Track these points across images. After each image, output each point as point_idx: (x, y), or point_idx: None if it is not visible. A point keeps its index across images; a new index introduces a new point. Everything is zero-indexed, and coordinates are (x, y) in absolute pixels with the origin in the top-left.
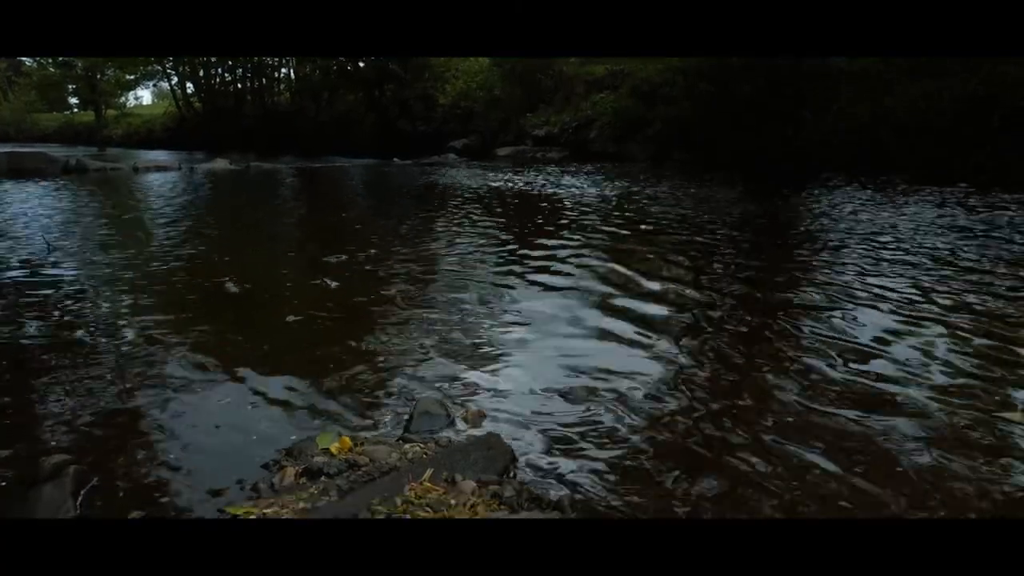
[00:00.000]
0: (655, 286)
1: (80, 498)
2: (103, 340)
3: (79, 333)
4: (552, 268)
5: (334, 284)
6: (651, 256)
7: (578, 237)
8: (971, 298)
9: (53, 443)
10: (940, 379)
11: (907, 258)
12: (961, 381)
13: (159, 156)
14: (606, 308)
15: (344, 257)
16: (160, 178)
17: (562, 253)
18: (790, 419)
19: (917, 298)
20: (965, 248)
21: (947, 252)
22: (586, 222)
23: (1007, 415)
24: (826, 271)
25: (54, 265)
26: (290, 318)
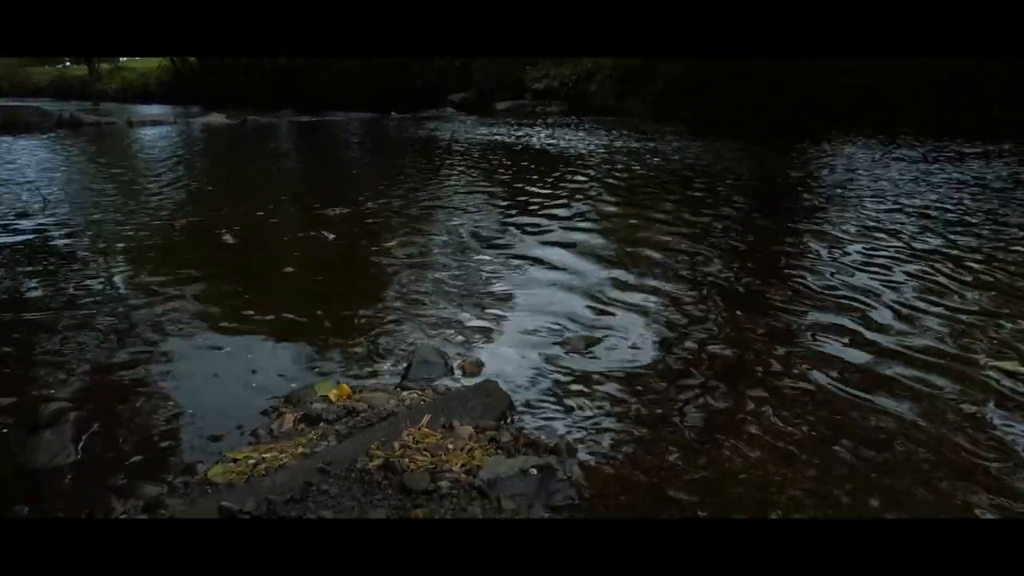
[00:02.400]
0: (655, 238)
1: (81, 443)
2: (101, 292)
3: (76, 285)
4: (551, 220)
5: (331, 236)
6: (651, 209)
7: (578, 190)
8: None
9: (52, 392)
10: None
11: (905, 208)
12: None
13: (154, 110)
14: (604, 260)
15: (342, 210)
16: (155, 132)
17: (561, 205)
18: (787, 366)
19: (914, 244)
20: (965, 201)
21: (940, 202)
22: (586, 175)
23: (1003, 364)
24: (823, 220)
25: (50, 219)
26: (288, 269)
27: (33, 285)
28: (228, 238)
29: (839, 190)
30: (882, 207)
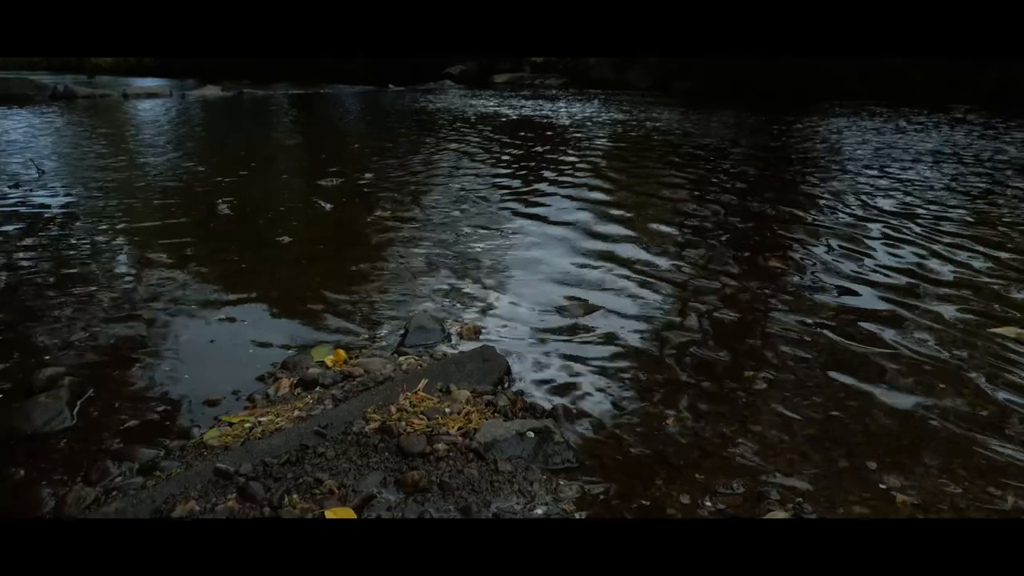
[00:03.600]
0: (654, 206)
1: (76, 408)
2: (96, 261)
3: (72, 254)
4: (549, 189)
5: (328, 206)
6: (649, 177)
7: (576, 160)
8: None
9: (48, 357)
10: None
11: (903, 176)
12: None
13: (149, 83)
14: (602, 227)
15: (339, 180)
16: (150, 105)
17: (559, 175)
18: (784, 330)
19: (912, 209)
20: (956, 171)
21: (935, 168)
22: (584, 145)
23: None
24: (819, 184)
25: (45, 189)
26: (284, 239)
27: (28, 254)
28: (223, 208)
29: (837, 156)
30: (878, 172)
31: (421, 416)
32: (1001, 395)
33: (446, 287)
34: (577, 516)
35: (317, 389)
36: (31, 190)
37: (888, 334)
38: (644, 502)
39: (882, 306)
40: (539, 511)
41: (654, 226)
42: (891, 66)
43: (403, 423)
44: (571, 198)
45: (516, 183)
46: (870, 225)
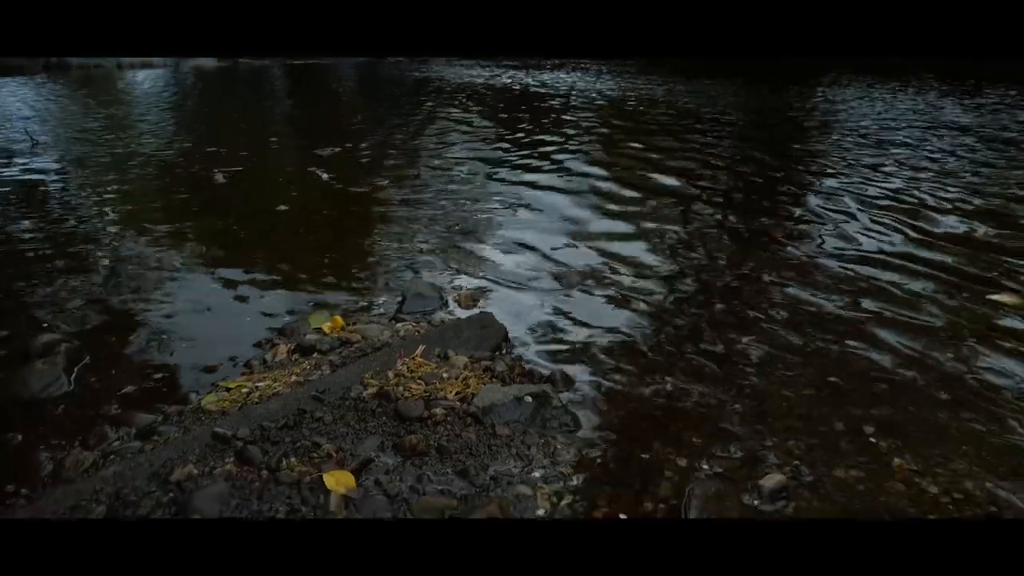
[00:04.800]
0: (652, 173)
1: (73, 375)
2: (92, 230)
3: (67, 223)
4: (545, 157)
5: (326, 175)
6: (647, 145)
7: (573, 129)
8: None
9: (44, 325)
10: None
11: (902, 139)
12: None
13: None
14: (601, 195)
15: (336, 149)
16: (145, 75)
17: (556, 143)
18: (783, 296)
19: (911, 175)
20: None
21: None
22: (581, 114)
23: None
24: (818, 152)
25: (40, 159)
26: (281, 207)
27: (23, 222)
28: (219, 177)
29: (835, 124)
30: (876, 139)
31: (419, 381)
32: (998, 362)
33: (444, 255)
34: (577, 514)
35: (315, 355)
36: (25, 160)
37: (887, 300)
38: (641, 465)
39: (883, 274)
40: (536, 474)
41: (655, 193)
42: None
43: (401, 388)
44: (571, 166)
45: (515, 150)
46: (871, 190)
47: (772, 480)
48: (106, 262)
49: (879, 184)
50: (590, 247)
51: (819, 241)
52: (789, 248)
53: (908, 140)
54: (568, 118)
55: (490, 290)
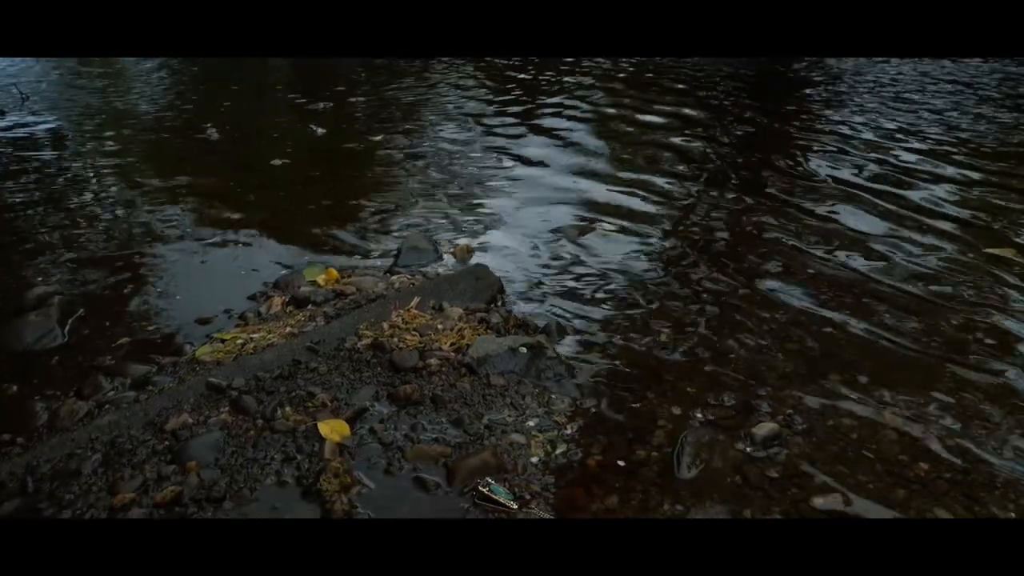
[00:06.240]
0: (651, 131)
1: (67, 327)
2: (84, 185)
3: (59, 179)
4: (546, 111)
5: (320, 130)
6: (646, 103)
7: (572, 87)
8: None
9: (39, 279)
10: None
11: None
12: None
13: None
14: (599, 151)
15: (330, 104)
16: None
17: (555, 101)
18: (779, 250)
19: (912, 135)
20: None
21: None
22: (580, 72)
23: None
24: (818, 113)
25: (30, 115)
26: (276, 162)
27: (15, 179)
28: (213, 133)
29: (836, 87)
30: (876, 100)
31: (414, 332)
32: (994, 316)
33: (440, 209)
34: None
35: (309, 307)
36: (15, 116)
37: (885, 253)
38: (635, 414)
39: (880, 228)
40: (531, 423)
41: (653, 150)
42: None
43: (396, 339)
44: (568, 119)
45: (512, 106)
46: (871, 149)
47: (765, 428)
48: (98, 217)
49: (885, 135)
50: (588, 200)
51: (819, 192)
52: (788, 198)
53: (920, 94)
54: (569, 72)
55: (486, 242)
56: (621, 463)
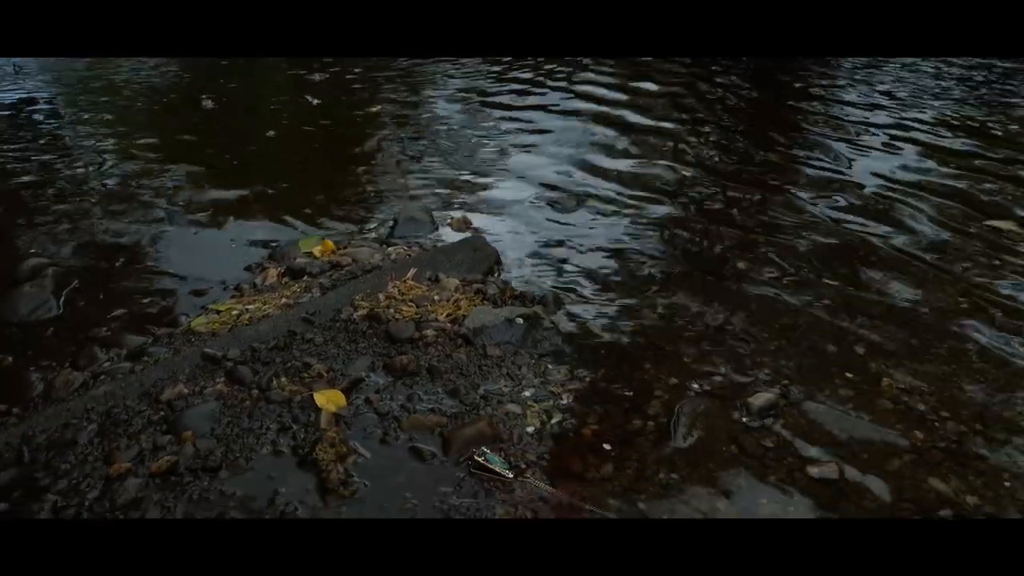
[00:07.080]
0: (651, 108)
1: (62, 298)
2: (78, 156)
3: (54, 150)
4: (546, 83)
5: (316, 101)
6: (646, 82)
7: (571, 65)
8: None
9: (32, 250)
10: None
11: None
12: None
13: None
14: (600, 121)
15: (326, 75)
16: None
17: (555, 74)
18: (778, 224)
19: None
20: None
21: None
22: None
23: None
24: (819, 94)
25: (24, 85)
26: (270, 133)
27: (8, 149)
28: (208, 103)
29: (837, 68)
30: (876, 85)
31: (410, 304)
32: (992, 286)
33: (437, 180)
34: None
35: (305, 278)
36: (8, 87)
37: (882, 227)
38: (631, 384)
39: (876, 200)
40: (527, 393)
41: (652, 127)
42: None
43: (391, 310)
44: (568, 91)
45: (512, 76)
46: (872, 124)
47: (761, 398)
48: (93, 188)
49: (885, 111)
50: (586, 171)
51: (819, 168)
52: (787, 173)
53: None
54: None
55: (484, 214)
56: (618, 432)
